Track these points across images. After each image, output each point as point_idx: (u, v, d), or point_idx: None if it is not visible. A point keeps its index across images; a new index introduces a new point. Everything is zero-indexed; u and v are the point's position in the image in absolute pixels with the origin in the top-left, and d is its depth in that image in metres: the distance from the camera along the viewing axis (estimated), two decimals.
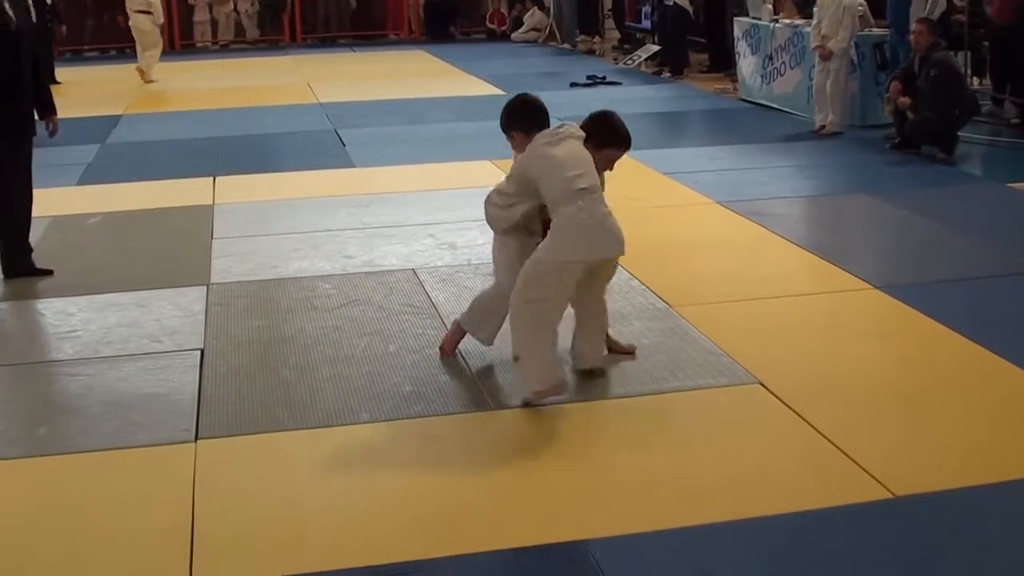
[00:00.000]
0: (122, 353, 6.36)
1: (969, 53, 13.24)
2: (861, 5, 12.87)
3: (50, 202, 9.16)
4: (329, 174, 11.05)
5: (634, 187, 10.01)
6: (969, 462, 4.87)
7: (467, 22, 26.74)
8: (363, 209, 9.43)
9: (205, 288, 7.43)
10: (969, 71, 13.12)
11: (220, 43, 25.28)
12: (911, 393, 5.66)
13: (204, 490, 4.77)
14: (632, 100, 15.31)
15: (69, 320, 6.95)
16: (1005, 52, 12.62)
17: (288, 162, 11.71)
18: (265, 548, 4.34)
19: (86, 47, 24.17)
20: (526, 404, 5.50)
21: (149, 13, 18.34)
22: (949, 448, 5.01)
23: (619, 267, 7.44)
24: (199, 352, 6.32)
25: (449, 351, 6.15)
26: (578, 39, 23.08)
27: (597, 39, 22.94)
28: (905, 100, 10.88)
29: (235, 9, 25.48)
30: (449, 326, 6.28)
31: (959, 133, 10.90)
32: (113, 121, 14.71)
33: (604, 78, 17.50)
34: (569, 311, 5.77)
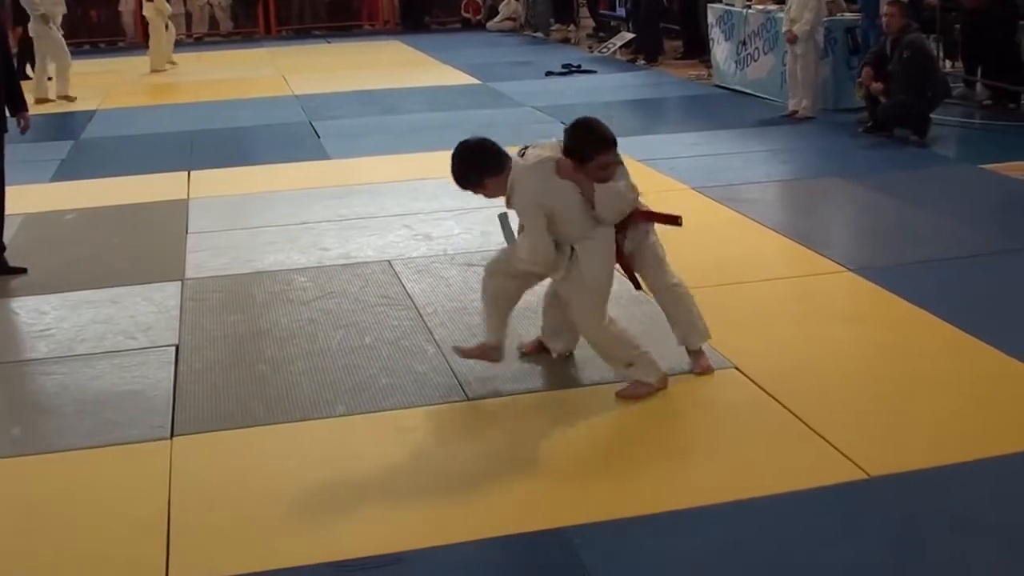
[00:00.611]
0: (97, 351, 6.34)
1: (941, 36, 13.27)
2: None
3: (24, 199, 9.12)
4: (304, 166, 11.02)
5: None
6: (943, 442, 4.91)
7: (442, 12, 26.69)
8: (338, 201, 9.42)
9: (180, 283, 7.41)
10: (941, 54, 13.16)
11: (194, 36, 25.19)
12: (885, 374, 5.69)
13: (180, 486, 4.76)
14: (607, 88, 15.32)
15: (43, 318, 6.92)
16: (976, 35, 12.66)
17: (263, 155, 11.68)
18: (242, 543, 4.34)
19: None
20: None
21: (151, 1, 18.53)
22: (923, 428, 5.04)
23: None
24: (174, 348, 6.31)
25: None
26: (553, 28, 23.06)
27: (572, 28, 22.94)
28: (878, 86, 10.90)
29: (208, 2, 25.37)
30: (428, 318, 6.21)
31: (931, 116, 10.94)
32: (87, 116, 14.65)
33: (579, 66, 17.48)
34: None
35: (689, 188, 9.41)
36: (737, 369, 5.70)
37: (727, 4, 14.92)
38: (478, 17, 25.84)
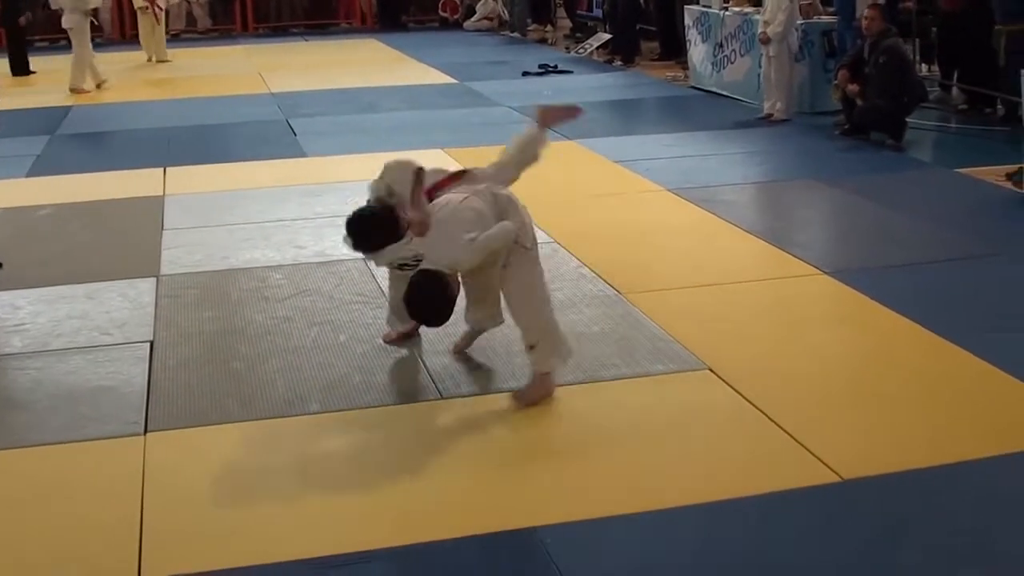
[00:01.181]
0: (71, 346, 6.31)
1: (917, 40, 13.33)
2: None
3: None
4: (280, 164, 10.99)
5: (585, 175, 10.06)
6: (917, 445, 4.93)
7: (420, 11, 26.66)
8: (314, 199, 9.40)
9: (155, 280, 7.38)
10: (917, 57, 13.21)
11: (171, 33, 25.03)
12: (860, 377, 5.72)
13: (153, 483, 4.75)
14: (584, 88, 15.31)
15: (17, 313, 6.89)
16: (953, 39, 12.71)
17: (239, 152, 11.64)
18: (215, 540, 4.33)
19: (37, 38, 23.91)
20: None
21: None
22: (897, 432, 5.06)
23: (570, 254, 7.54)
24: (149, 344, 6.29)
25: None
26: (530, 28, 23.06)
27: (549, 28, 22.94)
28: (854, 88, 10.95)
29: None
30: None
31: (907, 119, 10.99)
32: (63, 112, 14.58)
33: (556, 67, 17.48)
34: None
35: (665, 190, 9.42)
36: (711, 371, 5.72)
37: (704, 6, 14.95)
38: (455, 16, 25.82)
